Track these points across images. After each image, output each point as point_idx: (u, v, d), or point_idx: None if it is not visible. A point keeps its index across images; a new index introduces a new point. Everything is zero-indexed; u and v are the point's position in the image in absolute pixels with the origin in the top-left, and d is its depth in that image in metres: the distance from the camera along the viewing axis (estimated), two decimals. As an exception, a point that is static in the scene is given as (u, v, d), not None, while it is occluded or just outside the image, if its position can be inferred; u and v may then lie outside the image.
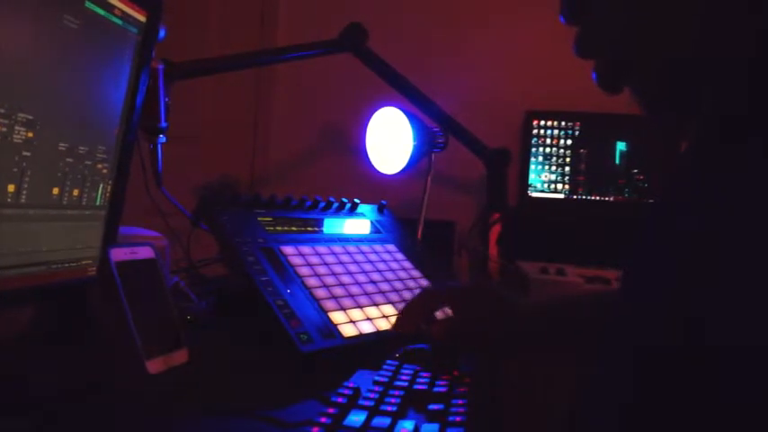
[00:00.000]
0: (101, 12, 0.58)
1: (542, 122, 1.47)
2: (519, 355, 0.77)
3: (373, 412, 0.46)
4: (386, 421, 0.45)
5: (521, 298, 0.74)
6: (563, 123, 1.46)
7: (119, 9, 0.60)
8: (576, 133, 1.46)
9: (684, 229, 0.37)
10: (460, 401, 0.50)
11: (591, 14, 0.40)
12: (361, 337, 0.69)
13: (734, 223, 0.33)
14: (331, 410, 0.45)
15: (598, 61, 0.41)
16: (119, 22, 0.60)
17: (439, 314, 0.79)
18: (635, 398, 0.37)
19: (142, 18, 0.64)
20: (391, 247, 0.96)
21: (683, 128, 0.42)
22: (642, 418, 0.37)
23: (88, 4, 0.56)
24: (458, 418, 0.46)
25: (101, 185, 0.63)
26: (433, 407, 0.49)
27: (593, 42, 0.40)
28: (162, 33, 0.93)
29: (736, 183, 0.34)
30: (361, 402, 0.48)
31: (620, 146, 1.44)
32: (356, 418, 0.45)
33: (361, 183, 1.37)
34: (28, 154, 0.52)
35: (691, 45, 0.36)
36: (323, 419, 0.44)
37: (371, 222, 1.01)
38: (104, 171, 0.63)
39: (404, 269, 0.91)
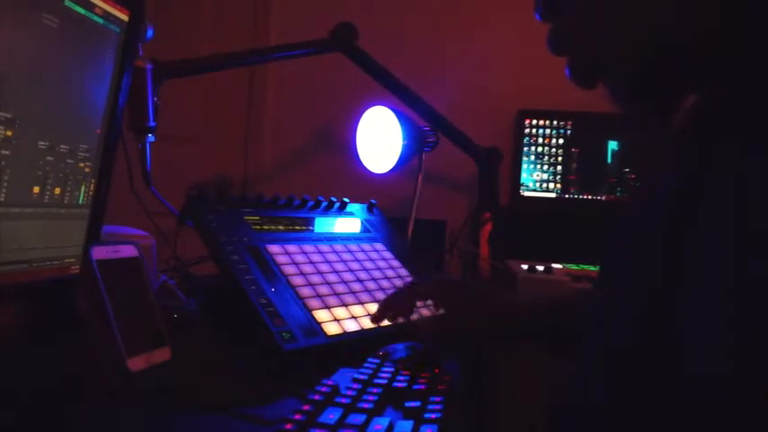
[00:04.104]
0: (81, 11, 0.58)
1: (534, 121, 1.47)
2: (504, 354, 0.77)
3: (349, 409, 0.47)
4: (361, 418, 0.45)
5: (507, 295, 0.74)
6: (555, 122, 1.46)
7: (100, 8, 0.60)
8: (568, 132, 1.46)
9: (655, 229, 0.37)
10: (438, 399, 0.50)
11: (564, 11, 0.40)
12: (345, 335, 0.69)
13: (703, 225, 0.33)
14: (306, 407, 0.46)
15: (571, 57, 0.41)
16: (100, 21, 0.61)
17: (425, 311, 0.80)
18: (606, 397, 0.38)
19: (124, 17, 0.64)
20: (379, 246, 0.96)
21: (655, 124, 0.42)
22: (611, 416, 0.37)
23: (68, 3, 0.56)
24: (433, 416, 0.46)
25: (83, 184, 0.63)
26: (409, 404, 0.49)
27: (565, 38, 0.41)
28: (150, 33, 0.93)
29: (709, 187, 0.34)
30: (337, 400, 0.48)
31: (612, 145, 1.45)
32: (331, 415, 0.45)
33: (351, 182, 1.37)
34: (7, 152, 0.52)
35: (662, 41, 0.36)
36: (297, 416, 0.44)
37: (361, 221, 1.01)
38: (87, 170, 0.63)
39: (391, 268, 0.91)
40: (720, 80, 0.37)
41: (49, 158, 0.57)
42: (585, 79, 0.41)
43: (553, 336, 0.65)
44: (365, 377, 0.54)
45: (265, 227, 0.83)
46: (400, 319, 0.73)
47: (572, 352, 0.51)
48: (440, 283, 0.73)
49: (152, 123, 0.97)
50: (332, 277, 0.80)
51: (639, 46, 0.37)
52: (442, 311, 0.74)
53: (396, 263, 0.94)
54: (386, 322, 0.75)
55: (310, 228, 0.90)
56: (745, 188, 0.30)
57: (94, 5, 0.59)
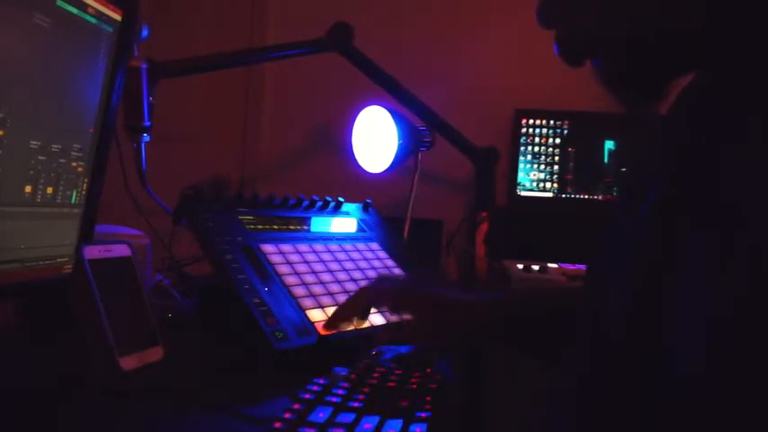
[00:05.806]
0: (73, 10, 0.58)
1: (531, 121, 1.47)
2: (501, 356, 0.76)
3: (339, 408, 0.47)
4: (350, 417, 0.45)
5: (480, 296, 0.68)
6: (552, 122, 1.46)
7: (92, 8, 0.60)
8: (565, 132, 1.46)
9: (648, 225, 0.37)
10: (428, 398, 0.50)
11: None
12: (338, 334, 0.69)
13: (691, 224, 0.33)
14: (296, 406, 0.46)
15: (560, 31, 0.40)
16: (93, 20, 0.61)
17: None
18: (598, 396, 0.38)
19: (117, 17, 0.64)
20: (374, 245, 0.96)
21: (643, 106, 0.41)
22: (605, 415, 0.37)
23: (60, 3, 0.56)
24: (423, 414, 0.46)
25: (76, 184, 0.63)
26: (400, 403, 0.49)
27: (555, 11, 0.40)
28: (145, 33, 0.93)
29: (695, 186, 0.34)
30: (328, 398, 0.48)
31: (609, 144, 1.45)
32: (321, 413, 0.45)
33: (347, 181, 1.37)
34: (-2, 152, 0.52)
35: (651, 19, 0.36)
36: (287, 415, 0.44)
37: (356, 221, 1.01)
38: (80, 169, 0.63)
39: (386, 267, 0.92)
40: (711, 70, 0.37)
41: (41, 158, 0.57)
42: (573, 56, 0.40)
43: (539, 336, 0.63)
44: (356, 376, 0.54)
45: (260, 226, 0.83)
46: (353, 326, 0.71)
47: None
48: (398, 291, 0.68)
49: (147, 123, 0.97)
50: (326, 277, 0.80)
51: (630, 31, 0.36)
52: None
53: (390, 262, 0.94)
54: (381, 320, 0.75)
55: (306, 227, 0.90)
56: (726, 189, 0.30)
57: (87, 5, 0.59)
